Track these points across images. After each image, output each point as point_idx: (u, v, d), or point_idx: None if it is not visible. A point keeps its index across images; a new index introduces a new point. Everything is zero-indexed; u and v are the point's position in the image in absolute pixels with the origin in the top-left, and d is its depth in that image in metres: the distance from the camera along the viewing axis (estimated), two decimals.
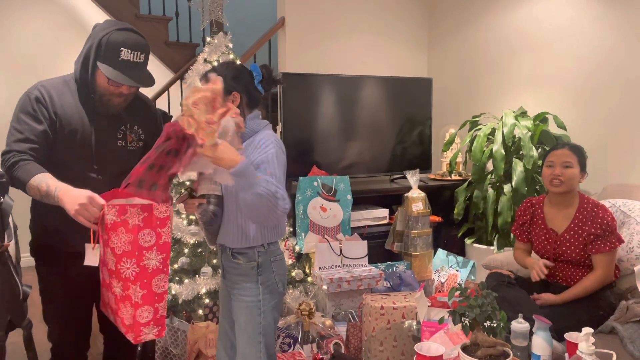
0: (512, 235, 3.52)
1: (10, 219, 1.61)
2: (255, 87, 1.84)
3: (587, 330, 1.70)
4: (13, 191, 1.68)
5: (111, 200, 1.63)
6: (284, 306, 2.86)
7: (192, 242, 2.78)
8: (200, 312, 2.73)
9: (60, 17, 4.89)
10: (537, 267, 2.48)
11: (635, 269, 2.33)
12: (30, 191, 1.72)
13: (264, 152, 1.71)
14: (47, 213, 1.87)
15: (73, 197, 1.59)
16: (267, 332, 1.81)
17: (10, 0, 4.74)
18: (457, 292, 1.82)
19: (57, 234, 1.86)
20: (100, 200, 1.59)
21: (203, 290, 2.75)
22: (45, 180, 1.68)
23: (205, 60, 2.97)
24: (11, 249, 1.64)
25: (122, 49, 1.78)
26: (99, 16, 4.14)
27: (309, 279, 3.13)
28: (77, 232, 1.79)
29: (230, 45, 3.01)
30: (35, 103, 1.80)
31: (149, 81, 1.86)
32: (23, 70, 4.78)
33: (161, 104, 4.28)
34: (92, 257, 1.67)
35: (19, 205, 1.96)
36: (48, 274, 1.92)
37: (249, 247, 1.80)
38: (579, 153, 2.55)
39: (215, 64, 2.94)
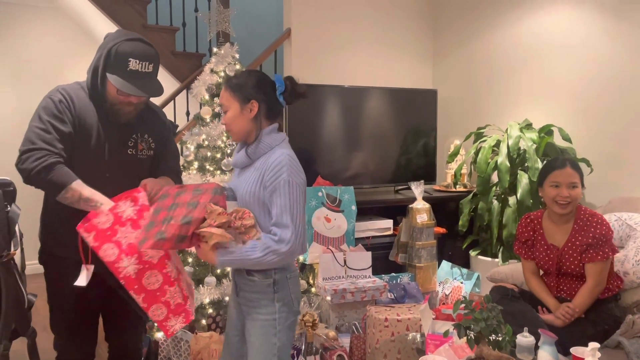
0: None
1: (16, 228, 1.62)
2: (276, 98, 1.79)
3: (594, 345, 1.69)
4: (22, 201, 1.69)
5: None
6: None
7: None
8: (204, 322, 2.73)
9: (69, 27, 4.94)
10: (562, 312, 2.42)
11: None
12: (67, 196, 1.72)
13: (275, 178, 1.66)
14: (57, 223, 1.88)
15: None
16: (281, 353, 1.73)
17: (20, 11, 4.79)
18: (462, 305, 1.81)
19: (66, 244, 1.85)
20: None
21: (206, 300, 2.75)
22: (85, 190, 1.74)
23: (211, 71, 2.99)
24: (17, 257, 1.65)
25: (130, 59, 1.79)
26: (107, 26, 4.17)
27: (313, 289, 3.12)
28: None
29: (237, 55, 3.03)
30: (59, 104, 1.81)
31: (157, 91, 1.87)
32: (32, 80, 4.82)
33: (167, 113, 4.28)
34: (84, 278, 1.75)
35: (25, 213, 1.97)
36: (56, 283, 1.92)
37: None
38: (579, 170, 2.55)
39: (222, 74, 2.97)
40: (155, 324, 2.67)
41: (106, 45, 1.83)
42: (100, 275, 1.80)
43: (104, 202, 1.73)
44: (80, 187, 1.73)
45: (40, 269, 1.94)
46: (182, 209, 1.65)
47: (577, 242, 2.48)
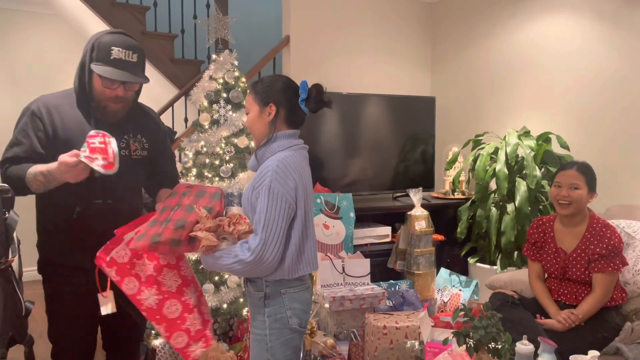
0: (515, 256, 3.50)
1: (14, 234, 1.61)
2: (297, 104, 1.74)
3: (593, 353, 1.69)
4: (19, 207, 1.68)
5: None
6: None
7: (194, 258, 2.77)
8: None
9: (68, 34, 4.94)
10: (564, 316, 2.42)
11: None
12: (32, 184, 1.73)
13: (260, 183, 1.65)
14: (53, 230, 1.88)
15: (57, 166, 1.65)
16: None
17: (19, 17, 4.80)
18: (462, 313, 1.80)
19: (63, 250, 1.86)
20: (73, 153, 1.64)
21: None
22: (39, 169, 1.71)
23: (210, 78, 2.99)
24: (14, 264, 1.64)
25: (112, 47, 1.79)
26: None
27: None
28: (85, 249, 1.79)
29: (236, 62, 3.03)
30: (30, 118, 1.82)
31: (141, 79, 1.85)
32: (30, 87, 4.82)
33: (165, 119, 4.28)
34: (105, 306, 1.79)
35: (23, 220, 1.96)
36: (56, 291, 1.90)
37: (257, 277, 1.70)
38: (588, 174, 2.54)
39: (221, 81, 2.97)
40: (154, 332, 2.66)
41: (89, 42, 1.85)
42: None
43: (53, 165, 1.68)
44: (35, 169, 1.72)
45: (37, 275, 1.93)
46: (181, 212, 1.69)
47: (587, 250, 2.48)
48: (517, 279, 2.87)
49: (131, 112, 1.95)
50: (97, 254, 1.73)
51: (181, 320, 1.77)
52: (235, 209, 1.79)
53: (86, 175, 1.67)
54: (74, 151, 1.63)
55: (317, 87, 1.75)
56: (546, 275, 2.68)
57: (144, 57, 1.88)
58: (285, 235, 1.65)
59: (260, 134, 1.76)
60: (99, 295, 1.80)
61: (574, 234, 2.55)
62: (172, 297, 1.77)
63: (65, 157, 1.63)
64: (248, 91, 1.80)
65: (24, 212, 1.86)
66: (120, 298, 1.80)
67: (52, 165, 1.68)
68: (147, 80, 1.87)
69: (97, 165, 1.61)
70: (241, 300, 2.83)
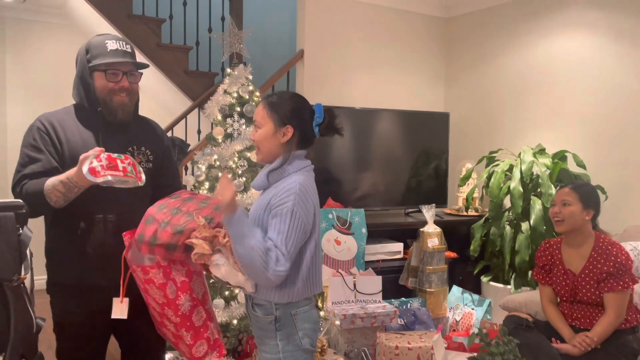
0: (529, 275, 3.44)
1: (27, 250, 1.60)
2: (311, 127, 1.73)
3: None
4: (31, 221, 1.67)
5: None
6: None
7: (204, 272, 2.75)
8: None
9: (80, 44, 4.98)
10: (579, 340, 2.38)
11: None
12: (51, 196, 1.71)
13: (280, 204, 1.61)
14: (59, 249, 1.86)
15: (79, 168, 1.64)
16: None
17: (35, 27, 4.85)
18: (478, 338, 1.77)
19: (73, 270, 1.83)
20: (95, 149, 1.65)
21: None
22: (57, 179, 1.71)
23: (225, 92, 2.99)
24: (26, 280, 1.62)
25: (106, 41, 1.85)
26: None
27: (322, 313, 3.08)
28: (93, 266, 1.79)
29: (250, 77, 3.03)
30: (37, 133, 1.81)
31: (141, 64, 1.89)
32: (45, 96, 4.86)
33: (179, 131, 4.31)
34: (118, 310, 1.76)
35: (36, 233, 1.95)
36: (64, 312, 1.88)
37: (267, 300, 1.66)
38: (581, 191, 2.54)
39: (235, 95, 2.97)
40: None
41: (80, 51, 1.89)
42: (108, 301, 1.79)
43: (75, 170, 1.68)
44: (53, 180, 1.71)
45: (44, 284, 1.92)
46: (182, 217, 1.70)
47: (595, 270, 2.45)
48: (533, 300, 2.82)
49: (136, 124, 1.95)
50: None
51: (204, 328, 1.76)
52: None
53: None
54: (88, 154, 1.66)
55: (331, 113, 1.74)
56: (558, 300, 2.64)
57: (134, 52, 1.93)
58: (298, 259, 1.64)
59: (269, 152, 1.73)
60: (115, 300, 1.77)
61: (580, 254, 2.52)
62: (199, 305, 1.77)
63: (88, 152, 1.66)
64: (261, 104, 1.75)
65: (36, 224, 1.85)
66: (141, 319, 1.79)
67: (71, 171, 1.68)
68: (146, 65, 1.91)
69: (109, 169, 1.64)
70: None
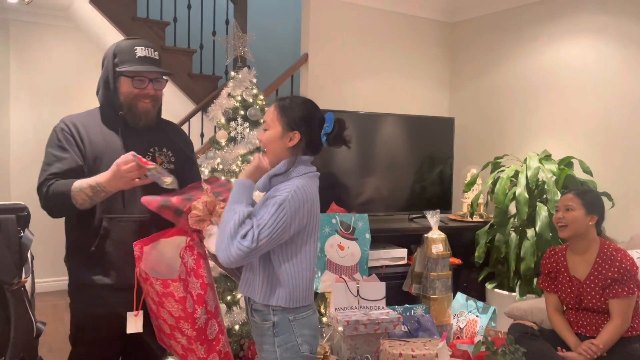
0: (534, 283, 3.41)
1: (28, 253, 1.59)
2: (319, 136, 1.73)
3: None
4: (33, 221, 1.65)
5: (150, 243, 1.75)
6: None
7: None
8: None
9: (87, 47, 4.98)
10: (584, 348, 2.36)
11: None
12: (77, 198, 1.71)
13: (273, 196, 1.62)
14: (83, 248, 1.83)
15: (113, 173, 1.67)
16: None
17: (40, 29, 4.85)
18: (484, 347, 1.74)
19: (94, 270, 1.81)
20: (127, 156, 1.67)
21: None
22: (85, 182, 1.71)
23: (228, 95, 2.97)
24: (27, 284, 1.60)
25: (136, 47, 1.85)
26: None
27: (324, 319, 3.05)
28: (115, 266, 1.79)
29: (254, 80, 3.02)
30: (61, 134, 1.81)
31: (168, 73, 1.92)
32: (49, 99, 4.86)
33: None
34: (133, 325, 1.76)
35: (38, 234, 1.93)
36: (84, 314, 1.85)
37: (264, 304, 1.66)
38: (584, 196, 2.53)
39: (239, 99, 2.95)
40: None
41: (107, 53, 1.88)
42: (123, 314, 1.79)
43: (105, 175, 1.70)
44: (81, 182, 1.72)
45: (49, 287, 1.90)
46: (192, 192, 1.80)
47: (600, 276, 2.43)
48: (538, 308, 2.79)
49: (158, 125, 1.95)
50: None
51: (216, 341, 1.76)
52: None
53: (136, 184, 1.70)
54: (125, 159, 1.68)
55: (341, 124, 1.74)
56: (564, 308, 2.62)
57: (160, 56, 1.94)
58: (289, 261, 1.65)
59: (275, 154, 1.73)
60: (129, 314, 1.76)
61: (585, 261, 2.51)
62: (212, 317, 1.76)
63: (121, 159, 1.67)
64: (272, 106, 1.75)
65: (38, 226, 1.83)
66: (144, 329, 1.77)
67: (101, 177, 1.69)
68: (172, 73, 1.92)
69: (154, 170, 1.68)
70: None
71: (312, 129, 1.71)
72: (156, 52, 1.89)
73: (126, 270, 1.77)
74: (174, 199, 1.73)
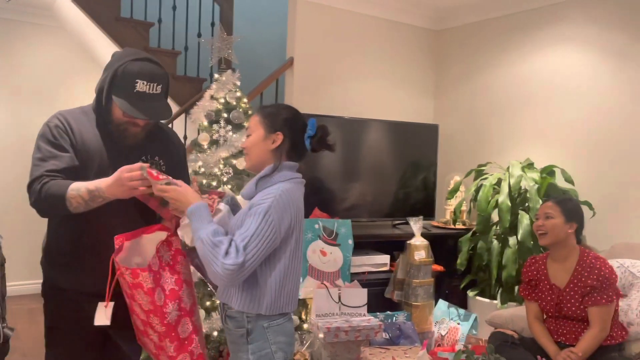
0: (516, 291, 3.41)
1: None
2: (302, 138, 1.72)
3: None
4: (5, 223, 1.60)
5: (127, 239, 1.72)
6: None
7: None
8: None
9: (70, 47, 4.92)
10: (563, 356, 2.37)
11: None
12: (72, 201, 1.64)
13: (257, 204, 1.59)
14: (60, 253, 1.79)
15: (115, 179, 1.62)
16: None
17: (23, 27, 4.77)
18: (464, 355, 1.72)
19: (69, 275, 1.76)
20: (130, 166, 1.62)
21: None
22: (83, 185, 1.65)
23: (211, 97, 2.94)
24: None
25: (137, 80, 1.70)
26: (110, 47, 4.14)
27: (305, 325, 3.01)
28: (94, 274, 1.73)
29: (238, 83, 2.98)
30: (56, 130, 1.74)
31: (165, 113, 1.77)
32: (30, 97, 4.78)
33: None
34: (103, 316, 1.69)
35: (10, 236, 1.88)
36: (55, 317, 1.80)
37: (238, 311, 1.63)
38: (564, 204, 2.55)
39: (222, 101, 2.91)
40: None
41: (112, 65, 1.75)
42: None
43: (106, 181, 1.65)
44: (79, 185, 1.65)
45: (23, 290, 1.85)
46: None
47: (580, 284, 2.45)
48: (519, 316, 2.79)
49: (150, 134, 1.88)
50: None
51: (189, 341, 1.71)
52: (223, 207, 1.75)
53: (136, 194, 1.65)
54: (128, 168, 1.63)
55: (324, 129, 1.73)
56: (544, 317, 2.62)
57: (167, 84, 1.80)
58: (269, 268, 1.61)
59: (257, 158, 1.71)
60: (99, 305, 1.70)
61: (565, 268, 2.53)
62: (186, 315, 1.72)
63: (127, 167, 1.62)
64: (255, 114, 1.75)
65: (13, 228, 1.77)
66: (118, 334, 1.71)
67: (102, 182, 1.64)
68: (170, 114, 1.79)
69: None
70: None
71: (295, 131, 1.70)
72: (159, 86, 1.74)
73: (103, 275, 1.71)
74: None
